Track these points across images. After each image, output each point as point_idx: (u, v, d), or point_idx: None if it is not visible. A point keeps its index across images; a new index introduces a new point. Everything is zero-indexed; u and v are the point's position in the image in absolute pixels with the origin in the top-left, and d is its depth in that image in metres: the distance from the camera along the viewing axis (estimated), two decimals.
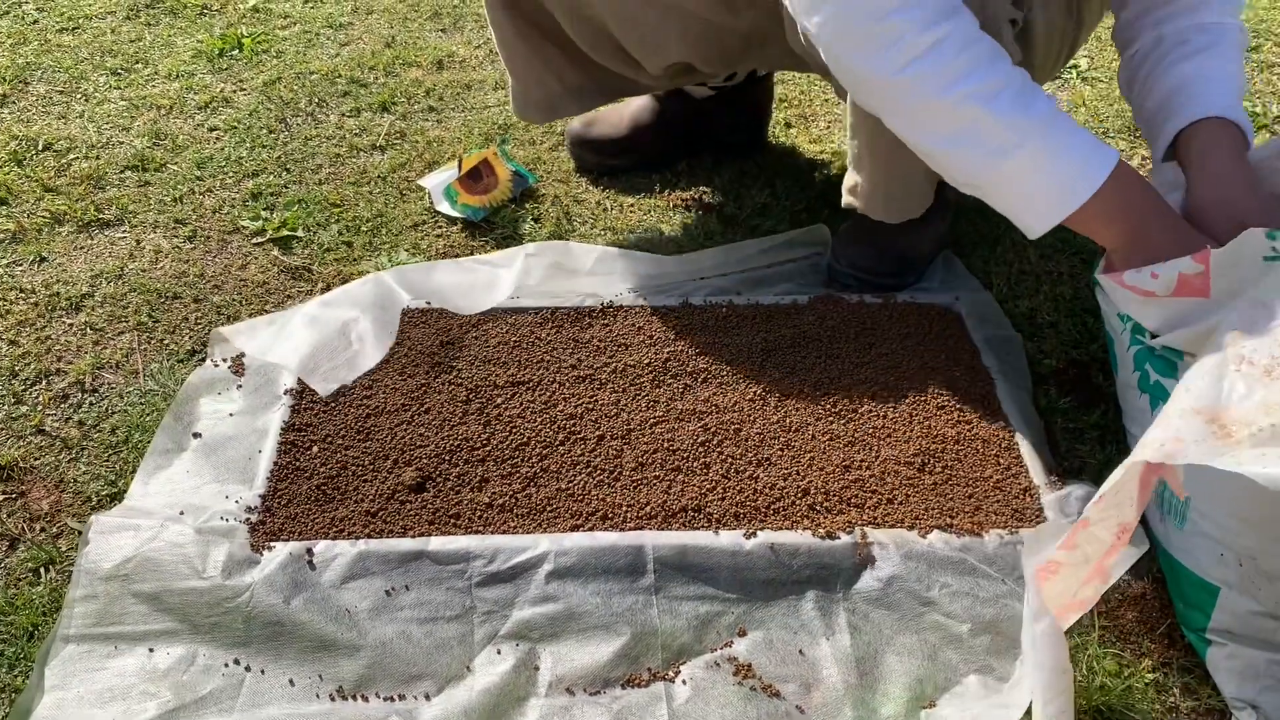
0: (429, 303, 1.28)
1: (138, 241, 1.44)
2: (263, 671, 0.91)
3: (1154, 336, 0.98)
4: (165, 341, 1.28)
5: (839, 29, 0.99)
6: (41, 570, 1.02)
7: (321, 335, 1.21)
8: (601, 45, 1.32)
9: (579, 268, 1.33)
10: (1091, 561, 0.78)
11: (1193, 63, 1.08)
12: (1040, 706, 0.79)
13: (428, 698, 0.90)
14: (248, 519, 1.02)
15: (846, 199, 1.31)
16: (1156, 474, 0.77)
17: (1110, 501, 0.77)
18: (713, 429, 1.12)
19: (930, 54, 0.96)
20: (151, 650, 0.91)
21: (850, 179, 1.30)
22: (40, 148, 1.62)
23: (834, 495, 1.05)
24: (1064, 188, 0.98)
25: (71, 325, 1.30)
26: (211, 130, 1.68)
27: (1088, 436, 1.14)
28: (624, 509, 1.03)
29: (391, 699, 0.90)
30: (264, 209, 1.50)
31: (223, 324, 1.29)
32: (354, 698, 0.90)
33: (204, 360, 1.23)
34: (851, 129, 1.24)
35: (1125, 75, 1.15)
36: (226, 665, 0.91)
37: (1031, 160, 0.98)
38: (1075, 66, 1.84)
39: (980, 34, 0.99)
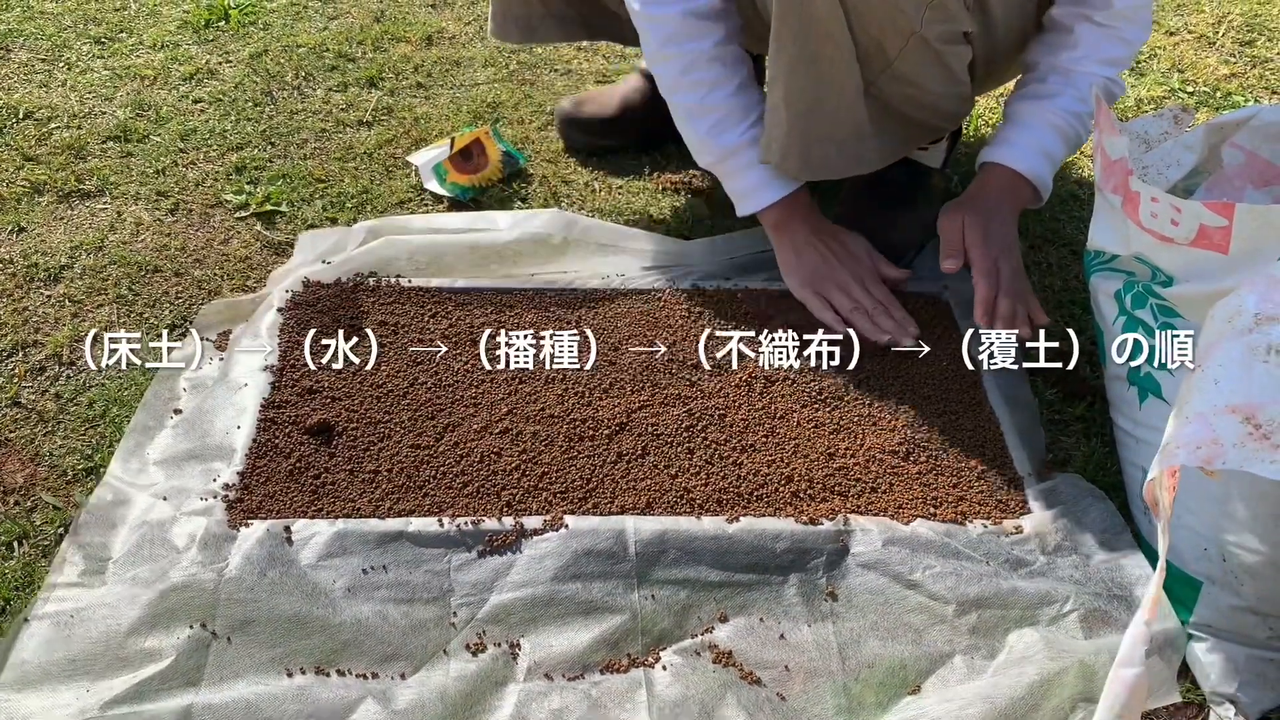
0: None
1: (118, 213, 1.42)
2: (231, 644, 0.89)
3: (1165, 286, 0.96)
4: (145, 315, 1.26)
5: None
6: (15, 544, 1.00)
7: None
8: None
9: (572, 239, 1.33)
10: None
11: (1026, 105, 1.22)
12: None
13: (403, 677, 0.89)
14: (225, 496, 1.01)
15: (761, 154, 1.24)
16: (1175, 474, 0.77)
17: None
18: (697, 414, 1.11)
19: (664, 64, 1.21)
20: (118, 624, 0.90)
21: (765, 134, 1.22)
22: (20, 116, 1.59)
23: (817, 482, 1.04)
24: (740, 198, 1.25)
25: (49, 297, 1.28)
26: (196, 102, 1.65)
27: (1073, 429, 1.14)
28: (606, 493, 1.02)
29: (365, 677, 0.89)
30: (248, 183, 1.48)
31: (204, 299, 1.28)
32: (327, 675, 0.88)
33: (185, 334, 1.21)
34: (769, 82, 1.18)
35: None
36: (196, 642, 0.89)
37: (720, 172, 1.25)
38: None
39: (719, 59, 1.19)
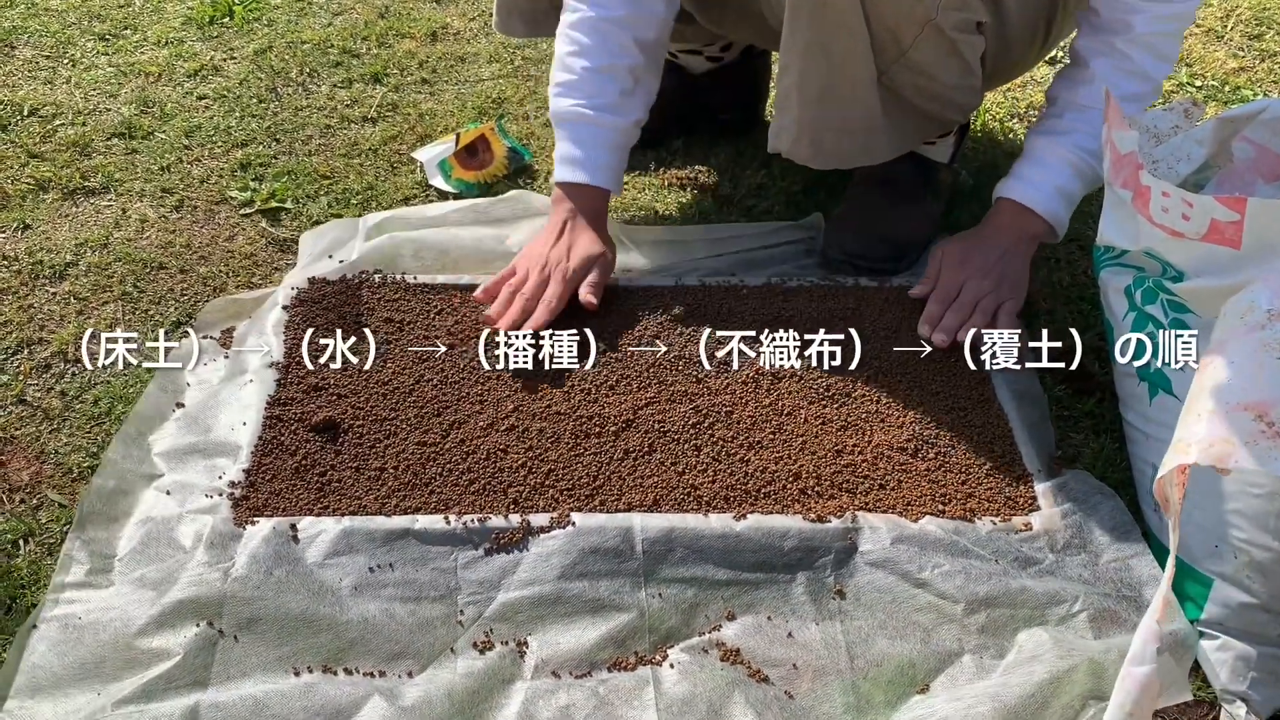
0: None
1: (123, 210, 1.42)
2: (238, 642, 0.89)
3: (1176, 281, 0.95)
4: (150, 312, 1.26)
5: None
6: (20, 542, 1.00)
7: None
8: None
9: None
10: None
11: (1041, 140, 1.22)
12: None
13: (410, 675, 0.89)
14: (231, 494, 1.00)
15: (771, 143, 1.24)
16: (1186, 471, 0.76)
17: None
18: (704, 411, 1.10)
19: (566, 13, 1.25)
20: (127, 627, 0.90)
21: (776, 122, 1.23)
22: (25, 113, 1.59)
23: (825, 479, 1.04)
24: (556, 163, 1.26)
25: (55, 294, 1.28)
26: (200, 99, 1.65)
27: (1081, 425, 1.13)
28: (612, 490, 1.02)
29: (372, 675, 0.88)
30: (253, 180, 1.47)
31: (209, 296, 1.27)
32: (334, 673, 0.88)
33: (188, 333, 1.21)
34: (781, 69, 1.18)
35: None
36: (203, 640, 0.89)
37: (555, 127, 1.27)
38: None
39: (599, 30, 1.22)
